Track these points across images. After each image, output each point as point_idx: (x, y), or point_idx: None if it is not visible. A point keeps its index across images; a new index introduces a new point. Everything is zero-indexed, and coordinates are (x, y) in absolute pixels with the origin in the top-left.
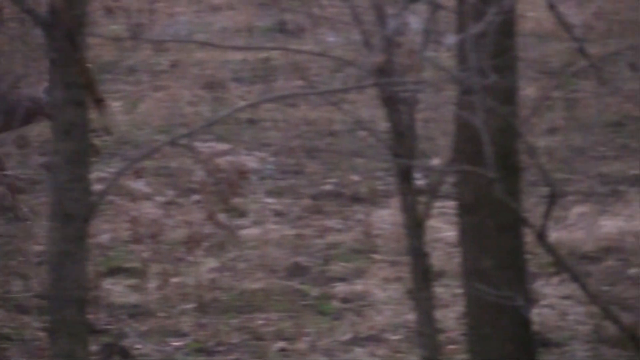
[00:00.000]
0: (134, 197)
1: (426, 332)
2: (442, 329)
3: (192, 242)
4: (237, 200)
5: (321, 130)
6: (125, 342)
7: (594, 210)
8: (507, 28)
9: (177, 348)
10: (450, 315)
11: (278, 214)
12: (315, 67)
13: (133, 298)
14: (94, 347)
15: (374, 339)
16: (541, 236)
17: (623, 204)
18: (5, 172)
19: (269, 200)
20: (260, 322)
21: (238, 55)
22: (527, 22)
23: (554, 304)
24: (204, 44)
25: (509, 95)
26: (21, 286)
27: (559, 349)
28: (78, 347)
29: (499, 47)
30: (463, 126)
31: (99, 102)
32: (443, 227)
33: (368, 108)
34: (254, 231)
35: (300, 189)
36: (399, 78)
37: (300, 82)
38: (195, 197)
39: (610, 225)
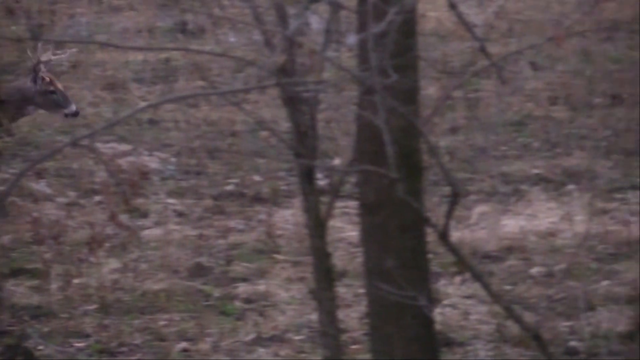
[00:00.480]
0: (35, 198)
1: (329, 332)
2: (345, 328)
3: (94, 243)
4: (138, 201)
5: (223, 131)
6: (28, 344)
7: (495, 210)
8: (408, 28)
9: (80, 349)
10: (353, 315)
11: (180, 214)
12: (216, 68)
13: (35, 299)
14: None
15: (277, 339)
16: (443, 236)
17: (525, 203)
18: None
19: (171, 200)
20: (162, 322)
21: (139, 56)
22: (428, 22)
23: (456, 303)
24: (104, 45)
25: (410, 95)
26: None
27: (461, 348)
28: None
29: (400, 47)
30: (364, 126)
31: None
32: (345, 227)
33: (270, 108)
34: (155, 232)
35: (202, 189)
36: (300, 78)
37: (201, 83)
38: (97, 198)
39: (512, 224)
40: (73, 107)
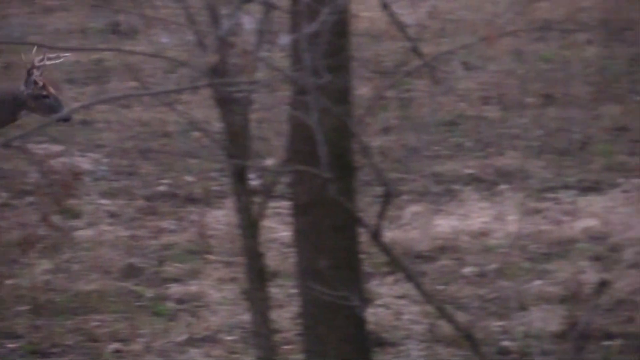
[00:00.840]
0: None
1: (262, 333)
2: (278, 329)
3: (26, 244)
4: (71, 202)
5: (155, 131)
6: None
7: (428, 210)
8: (340, 28)
9: (12, 350)
10: (286, 316)
11: (112, 215)
12: (148, 68)
13: None
14: None
15: (210, 339)
16: (376, 236)
17: (457, 203)
18: None
19: (103, 201)
20: (94, 323)
21: (71, 57)
22: (360, 22)
23: (389, 303)
24: (37, 46)
25: (343, 95)
26: None
27: (394, 348)
28: None
29: (332, 47)
30: (297, 126)
31: None
32: (278, 228)
33: (202, 109)
34: (88, 232)
35: (134, 190)
36: (232, 78)
37: (133, 83)
38: (30, 198)
39: (444, 224)
40: (65, 113)
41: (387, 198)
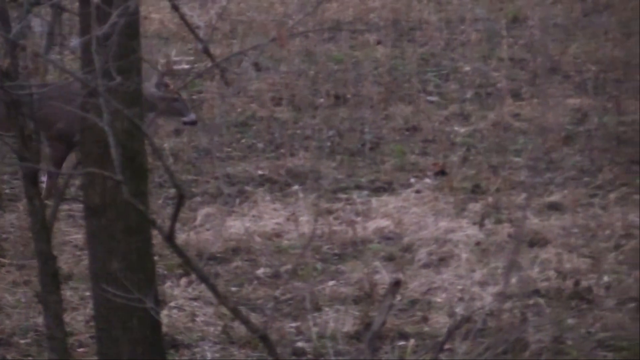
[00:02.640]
0: None
1: (55, 336)
2: (72, 332)
3: None
4: None
5: None
6: None
7: (221, 211)
8: (131, 30)
9: None
10: (80, 318)
11: None
12: None
13: None
14: None
15: (3, 342)
16: (169, 238)
17: (250, 205)
18: None
19: None
20: None
21: None
22: (151, 24)
23: (183, 305)
24: None
25: (134, 97)
26: None
27: (188, 350)
28: None
29: (123, 49)
30: (89, 129)
31: None
32: (71, 230)
33: None
34: None
35: None
36: (23, 81)
37: None
38: None
39: (237, 225)
40: (193, 116)
41: (180, 200)
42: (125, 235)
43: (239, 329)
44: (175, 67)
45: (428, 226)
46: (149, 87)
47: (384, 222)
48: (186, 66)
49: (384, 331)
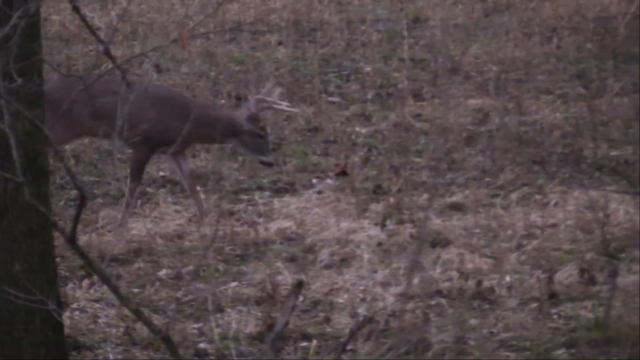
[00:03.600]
0: None
1: None
2: None
3: None
4: None
5: None
6: None
7: (121, 213)
8: (31, 31)
9: None
10: None
11: None
12: None
13: None
14: None
15: None
16: (71, 239)
17: (152, 206)
18: None
19: None
20: None
21: None
22: (51, 25)
23: (85, 306)
24: None
25: (35, 99)
26: None
27: (91, 351)
28: None
29: (24, 51)
30: None
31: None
32: None
33: None
34: None
35: None
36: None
37: None
38: None
39: (139, 227)
40: (271, 158)
41: (81, 202)
42: (27, 237)
43: (142, 330)
44: (275, 106)
45: (330, 227)
46: (241, 116)
47: (286, 223)
48: (285, 104)
49: (286, 332)
